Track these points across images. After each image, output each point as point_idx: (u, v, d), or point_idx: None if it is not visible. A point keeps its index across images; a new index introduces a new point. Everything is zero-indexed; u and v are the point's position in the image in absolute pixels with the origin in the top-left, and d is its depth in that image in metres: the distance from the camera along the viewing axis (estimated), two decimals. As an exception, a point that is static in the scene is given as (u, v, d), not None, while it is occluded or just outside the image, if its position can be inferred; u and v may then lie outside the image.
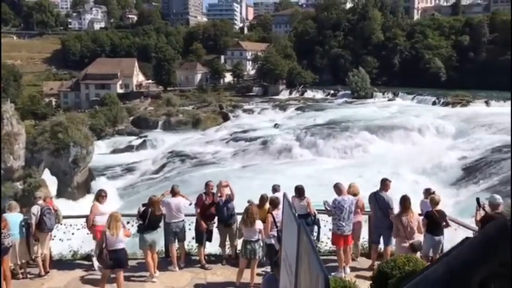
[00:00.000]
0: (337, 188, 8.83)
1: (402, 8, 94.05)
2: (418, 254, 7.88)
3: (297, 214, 8.81)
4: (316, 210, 9.49)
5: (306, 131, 44.19)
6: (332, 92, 75.67)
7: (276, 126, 50.87)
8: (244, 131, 49.60)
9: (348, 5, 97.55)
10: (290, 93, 79.76)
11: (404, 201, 8.30)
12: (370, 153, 37.71)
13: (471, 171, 28.92)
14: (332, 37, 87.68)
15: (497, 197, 7.74)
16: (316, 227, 9.51)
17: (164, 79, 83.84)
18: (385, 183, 9.25)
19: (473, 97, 56.85)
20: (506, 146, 32.07)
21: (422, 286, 0.97)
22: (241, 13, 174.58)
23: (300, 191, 9.46)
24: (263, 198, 9.17)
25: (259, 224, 8.32)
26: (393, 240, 8.81)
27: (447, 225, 8.65)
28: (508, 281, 1.78)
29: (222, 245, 9.67)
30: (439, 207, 8.66)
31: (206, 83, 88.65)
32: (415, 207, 8.99)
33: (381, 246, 9.28)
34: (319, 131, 43.16)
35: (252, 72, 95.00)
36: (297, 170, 32.76)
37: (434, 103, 57.71)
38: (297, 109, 62.55)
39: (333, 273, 8.27)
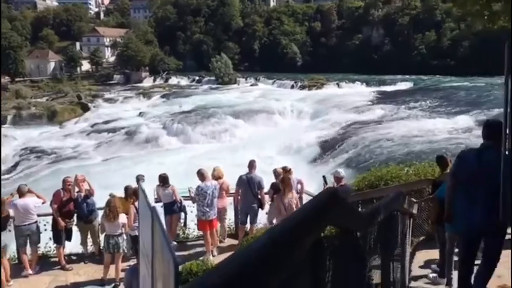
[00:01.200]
0: (201, 174, 8.90)
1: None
2: None
3: (162, 203, 8.63)
4: (183, 197, 9.52)
5: (172, 118, 43.60)
6: (197, 78, 75.78)
7: (140, 114, 49.31)
8: (107, 122, 47.16)
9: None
10: (154, 81, 77.94)
11: (286, 182, 8.55)
12: (236, 137, 38.62)
13: (328, 148, 31.16)
14: (193, 23, 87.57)
15: (340, 171, 8.70)
16: (183, 214, 9.59)
17: (11, 69, 75.53)
18: (252, 165, 9.64)
19: (326, 80, 61.29)
20: (357, 123, 35.39)
21: (247, 251, 0.92)
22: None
23: (163, 179, 9.42)
24: (127, 190, 8.86)
25: (122, 218, 8.05)
26: (259, 220, 9.19)
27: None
28: (338, 240, 1.89)
29: (84, 242, 9.18)
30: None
31: (61, 72, 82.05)
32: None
33: (247, 225, 9.59)
34: (187, 118, 42.86)
35: (112, 59, 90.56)
36: (166, 159, 32.20)
37: (292, 87, 61.07)
38: (162, 96, 61.32)
39: (201, 257, 8.31)
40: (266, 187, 9.76)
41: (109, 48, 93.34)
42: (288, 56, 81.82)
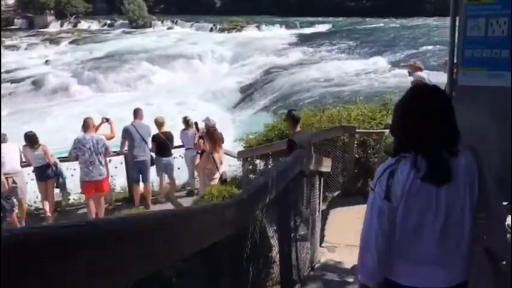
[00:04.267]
0: (85, 124, 7.66)
1: None
2: None
3: (33, 167, 7.43)
4: (62, 157, 8.22)
5: (83, 66, 40.68)
6: (108, 22, 70.82)
7: (47, 62, 45.47)
8: (9, 71, 42.91)
9: None
10: (61, 25, 71.68)
11: (216, 136, 7.38)
12: (154, 84, 37.03)
13: (248, 93, 30.80)
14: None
15: (211, 119, 8.19)
16: (61, 179, 8.28)
17: None
18: (137, 113, 8.67)
19: (246, 22, 59.78)
20: (277, 67, 35.03)
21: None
22: None
23: (30, 139, 8.05)
24: None
25: None
26: (152, 178, 8.43)
27: (173, 147, 8.88)
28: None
29: None
30: (164, 128, 8.70)
31: (-50, 16, 73.12)
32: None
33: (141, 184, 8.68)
34: (99, 65, 40.20)
35: (12, 1, 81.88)
36: (77, 110, 30.05)
37: (211, 30, 58.99)
38: (71, 42, 56.71)
39: None
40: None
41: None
42: (206, -3, 78.82)
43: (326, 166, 4.62)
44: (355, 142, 6.78)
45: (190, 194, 9.09)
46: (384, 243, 1.92)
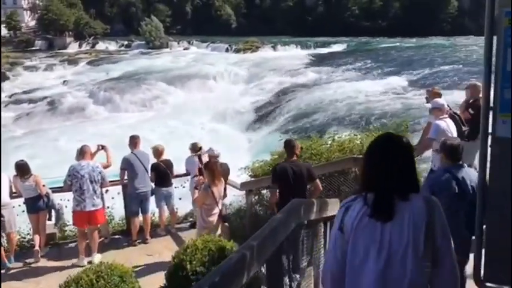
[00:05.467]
0: (82, 152, 7.16)
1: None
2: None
3: (24, 198, 7.03)
4: (55, 188, 7.74)
5: (99, 86, 41.04)
6: (126, 43, 71.98)
7: (64, 83, 46.12)
8: (27, 92, 43.68)
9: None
10: (80, 46, 73.12)
11: (215, 168, 6.58)
12: (169, 104, 37.10)
13: (264, 113, 30.53)
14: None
15: (215, 149, 7.80)
16: (53, 211, 7.72)
17: None
18: (134, 141, 8.06)
19: (261, 43, 60.09)
20: (292, 87, 34.79)
21: None
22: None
23: (21, 168, 7.41)
24: None
25: None
26: (152, 208, 8.06)
27: (174, 176, 8.45)
28: None
29: None
30: (164, 156, 8.26)
31: (-27, 38, 75.01)
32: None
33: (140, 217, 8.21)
34: (115, 85, 40.56)
35: (32, 23, 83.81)
36: (93, 130, 30.18)
37: (227, 50, 59.37)
38: (89, 63, 57.67)
39: (74, 261, 7.01)
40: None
41: (28, 12, 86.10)
42: (222, 18, 79.71)
43: (333, 210, 4.07)
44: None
45: (193, 226, 8.58)
46: (337, 266, 2.11)
